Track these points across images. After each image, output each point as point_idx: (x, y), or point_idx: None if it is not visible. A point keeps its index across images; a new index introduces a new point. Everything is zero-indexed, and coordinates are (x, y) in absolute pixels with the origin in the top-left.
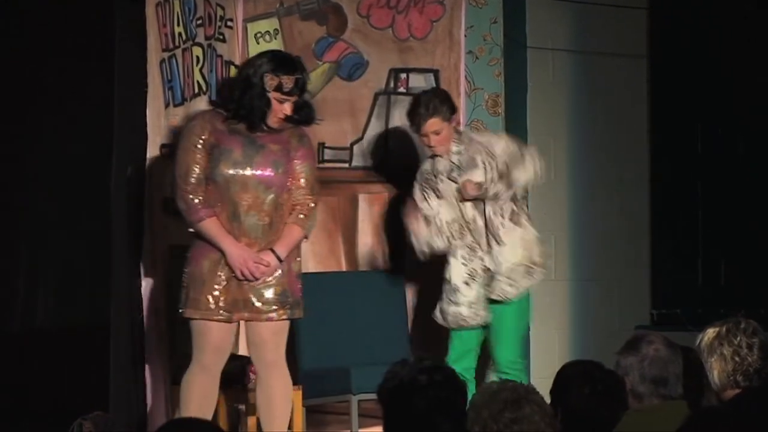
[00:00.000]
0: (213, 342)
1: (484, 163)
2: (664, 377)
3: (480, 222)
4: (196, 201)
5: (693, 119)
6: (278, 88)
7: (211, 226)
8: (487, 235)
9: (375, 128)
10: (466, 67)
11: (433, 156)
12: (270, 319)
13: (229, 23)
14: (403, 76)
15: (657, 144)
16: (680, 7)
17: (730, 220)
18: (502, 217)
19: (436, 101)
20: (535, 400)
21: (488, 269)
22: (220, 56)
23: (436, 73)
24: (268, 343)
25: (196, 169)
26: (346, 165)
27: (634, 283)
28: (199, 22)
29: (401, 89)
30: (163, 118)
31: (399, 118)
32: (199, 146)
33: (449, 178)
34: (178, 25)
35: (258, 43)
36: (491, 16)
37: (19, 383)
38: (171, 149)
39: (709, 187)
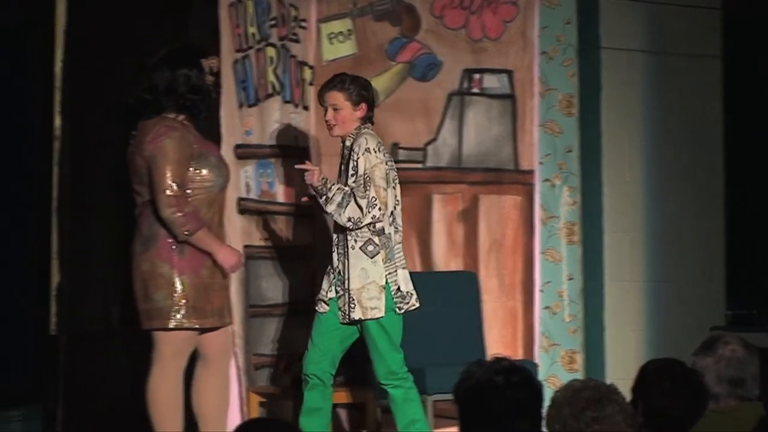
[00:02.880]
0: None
1: (348, 169)
2: (740, 378)
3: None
4: (190, 212)
5: (767, 119)
6: (210, 71)
7: (205, 234)
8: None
9: (448, 129)
10: (540, 67)
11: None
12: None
13: (302, 24)
14: (477, 76)
15: (732, 144)
16: (754, 7)
17: None
18: (355, 241)
19: (349, 80)
20: (616, 400)
21: (339, 274)
22: (294, 57)
23: (509, 73)
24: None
25: (188, 182)
26: (420, 165)
27: (710, 284)
28: (273, 22)
29: (475, 90)
30: (237, 118)
31: (473, 119)
32: (189, 157)
33: (341, 171)
34: (252, 25)
35: (331, 44)
36: (564, 16)
37: (100, 384)
38: (246, 149)
39: None
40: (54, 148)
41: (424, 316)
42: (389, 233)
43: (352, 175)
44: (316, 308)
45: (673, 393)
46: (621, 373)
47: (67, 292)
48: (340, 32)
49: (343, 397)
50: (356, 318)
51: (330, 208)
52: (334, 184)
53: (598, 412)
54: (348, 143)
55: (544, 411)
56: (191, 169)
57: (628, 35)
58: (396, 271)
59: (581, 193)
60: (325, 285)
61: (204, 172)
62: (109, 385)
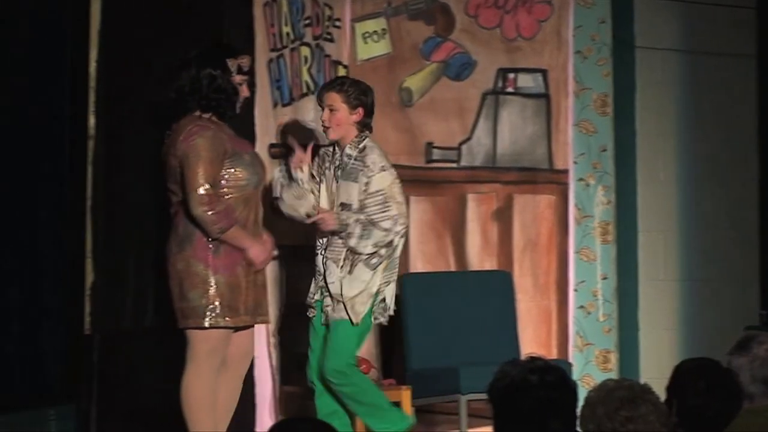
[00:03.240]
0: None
1: (358, 184)
2: None
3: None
4: (222, 210)
5: None
6: (239, 71)
7: (237, 231)
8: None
9: (483, 128)
10: (575, 67)
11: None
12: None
13: (336, 23)
14: (511, 76)
15: (766, 143)
16: None
17: None
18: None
19: (349, 83)
20: (650, 400)
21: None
22: (328, 56)
23: (544, 73)
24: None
25: (221, 180)
26: (455, 165)
27: (744, 283)
28: (307, 21)
29: (509, 89)
30: (271, 117)
31: (507, 118)
32: (222, 156)
33: (334, 175)
34: (286, 25)
35: (366, 43)
36: (599, 16)
37: (133, 383)
38: (280, 148)
39: None
40: (88, 148)
41: (458, 315)
42: (396, 244)
43: (364, 191)
44: (308, 314)
45: (708, 392)
46: (655, 372)
47: (101, 291)
48: (375, 31)
49: None
50: (347, 320)
51: (351, 243)
52: (348, 217)
53: (632, 412)
54: (350, 152)
55: (578, 410)
56: (225, 167)
57: (663, 34)
58: (390, 283)
59: (615, 192)
60: (312, 288)
61: (238, 170)
62: (142, 384)
